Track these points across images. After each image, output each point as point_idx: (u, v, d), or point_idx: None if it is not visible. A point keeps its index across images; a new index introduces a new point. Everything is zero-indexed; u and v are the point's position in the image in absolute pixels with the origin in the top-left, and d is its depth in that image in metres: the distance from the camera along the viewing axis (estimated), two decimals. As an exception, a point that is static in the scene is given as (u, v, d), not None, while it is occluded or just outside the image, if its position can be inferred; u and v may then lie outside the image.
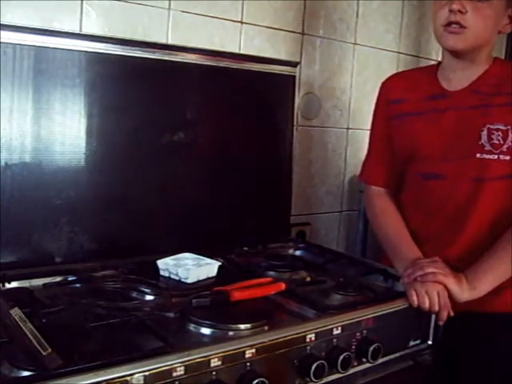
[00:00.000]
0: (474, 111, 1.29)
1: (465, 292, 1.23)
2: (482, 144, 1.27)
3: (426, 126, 1.34)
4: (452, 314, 1.22)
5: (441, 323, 1.24)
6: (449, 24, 1.22)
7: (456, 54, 1.30)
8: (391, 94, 1.43)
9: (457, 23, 1.22)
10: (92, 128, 1.36)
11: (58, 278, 1.24)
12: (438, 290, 1.21)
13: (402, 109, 1.39)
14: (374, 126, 1.50)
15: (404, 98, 1.39)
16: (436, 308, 1.21)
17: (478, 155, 1.27)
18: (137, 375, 0.84)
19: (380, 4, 1.99)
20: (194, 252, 1.39)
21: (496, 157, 1.26)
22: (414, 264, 1.27)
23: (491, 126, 1.26)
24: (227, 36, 1.61)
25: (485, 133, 1.26)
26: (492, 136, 1.26)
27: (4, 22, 1.21)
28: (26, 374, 0.83)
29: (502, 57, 2.25)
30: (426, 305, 1.20)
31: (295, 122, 1.79)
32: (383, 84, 1.48)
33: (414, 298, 1.20)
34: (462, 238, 1.33)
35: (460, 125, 1.30)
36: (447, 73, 1.34)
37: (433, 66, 1.43)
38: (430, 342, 1.32)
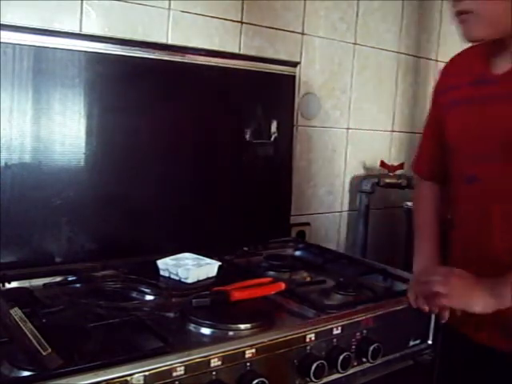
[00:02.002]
0: None
1: (480, 304, 1.04)
2: None
3: (471, 117, 1.12)
4: (458, 313, 1.10)
5: (443, 321, 1.19)
6: (458, 15, 1.08)
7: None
8: (447, 79, 1.25)
9: (463, 12, 1.06)
10: (92, 128, 1.36)
11: (58, 278, 1.24)
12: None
13: (451, 96, 1.19)
14: (429, 113, 1.34)
15: (454, 84, 1.20)
16: (435, 311, 1.17)
17: None
18: (137, 375, 0.84)
19: (380, 4, 1.99)
20: (193, 252, 1.39)
21: None
22: (424, 275, 1.16)
23: None
24: (227, 36, 1.61)
25: None
26: None
27: (4, 22, 1.21)
28: (26, 373, 0.83)
29: None
30: (426, 309, 1.15)
31: (295, 122, 1.79)
32: (442, 69, 1.30)
33: (413, 300, 1.17)
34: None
35: (508, 117, 1.06)
36: (497, 59, 1.10)
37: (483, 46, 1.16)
38: (430, 342, 1.32)
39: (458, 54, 1.26)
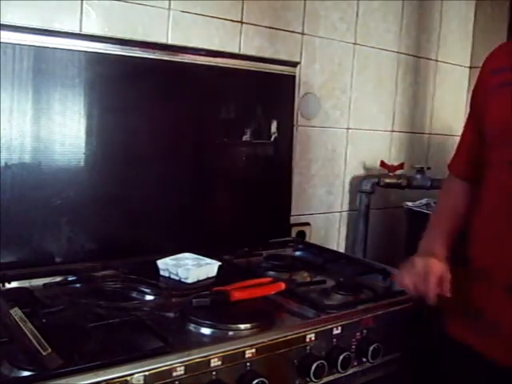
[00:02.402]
0: None
1: None
2: None
3: None
4: (448, 294, 1.09)
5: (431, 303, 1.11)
6: None
7: None
8: (493, 63, 1.17)
9: None
10: (92, 128, 1.36)
11: (58, 278, 1.24)
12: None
13: (502, 79, 1.11)
14: (470, 106, 1.27)
15: (504, 65, 1.12)
16: (421, 288, 1.10)
17: None
18: (137, 375, 0.84)
19: (380, 4, 1.99)
20: (193, 252, 1.39)
21: None
22: (422, 266, 1.12)
23: None
24: (227, 36, 1.61)
25: None
26: None
27: (4, 22, 1.21)
28: (26, 373, 0.83)
29: (504, 37, 2.23)
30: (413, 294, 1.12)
31: (295, 122, 1.79)
32: (485, 60, 1.22)
33: (400, 282, 1.14)
34: None
35: None
36: None
37: None
38: (429, 342, 1.32)
39: (504, 43, 1.24)
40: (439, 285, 1.09)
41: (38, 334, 0.84)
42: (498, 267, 1.08)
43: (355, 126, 1.99)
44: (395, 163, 2.00)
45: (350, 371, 1.13)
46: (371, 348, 1.14)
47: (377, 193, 1.99)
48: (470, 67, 2.35)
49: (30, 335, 0.83)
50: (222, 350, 0.94)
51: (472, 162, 1.24)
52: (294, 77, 1.74)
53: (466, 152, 1.26)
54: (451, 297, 1.10)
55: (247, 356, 0.97)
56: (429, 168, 2.00)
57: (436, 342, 1.26)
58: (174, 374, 0.88)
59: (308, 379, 1.05)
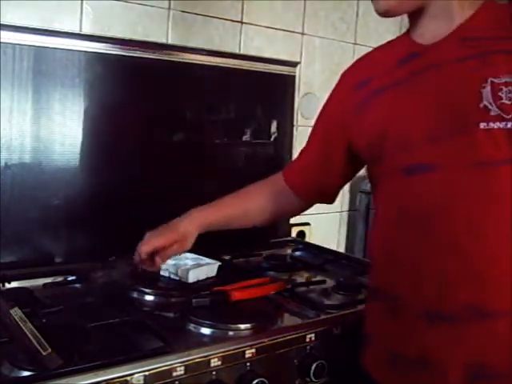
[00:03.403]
0: (466, 63, 0.88)
1: None
2: (486, 107, 0.84)
3: (399, 99, 0.94)
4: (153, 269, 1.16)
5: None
6: None
7: (410, 16, 0.98)
8: (356, 77, 1.07)
9: None
10: (92, 128, 1.36)
11: (58, 278, 1.24)
12: None
13: (370, 88, 1.00)
14: (318, 121, 1.18)
15: (372, 75, 1.02)
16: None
17: (483, 125, 0.83)
18: (137, 375, 0.84)
19: (380, 4, 1.99)
20: (194, 252, 1.39)
21: (510, 125, 0.83)
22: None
23: (496, 80, 0.84)
24: (227, 36, 1.61)
25: (488, 89, 0.84)
26: (500, 94, 0.83)
27: (4, 22, 1.21)
28: (26, 373, 0.83)
29: None
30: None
31: (295, 122, 1.79)
32: (343, 74, 1.13)
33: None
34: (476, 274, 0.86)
35: (446, 85, 0.89)
36: (419, 29, 0.97)
37: (403, 33, 1.04)
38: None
39: (359, 58, 1.15)
40: (148, 259, 1.14)
41: (37, 333, 0.84)
42: (407, 295, 0.91)
43: (355, 126, 1.99)
44: (395, 163, 2.00)
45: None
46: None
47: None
48: (470, 67, 2.35)
49: (30, 335, 0.83)
50: (222, 350, 0.94)
51: (312, 180, 1.19)
52: (293, 77, 1.74)
53: (309, 168, 1.19)
54: (371, 335, 1.00)
55: (247, 356, 0.97)
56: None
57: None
58: (174, 374, 0.88)
59: (308, 379, 1.05)
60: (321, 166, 1.15)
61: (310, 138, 1.21)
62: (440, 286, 0.87)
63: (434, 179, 0.88)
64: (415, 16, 0.96)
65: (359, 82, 1.03)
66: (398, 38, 1.05)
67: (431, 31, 0.93)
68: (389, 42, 1.10)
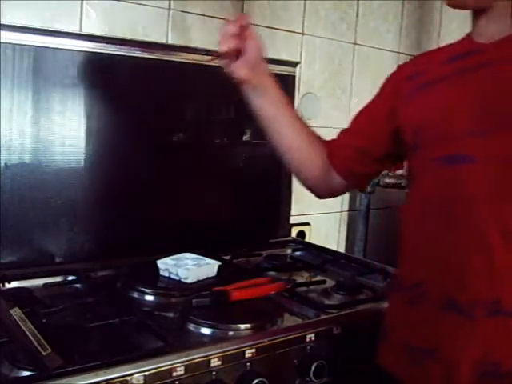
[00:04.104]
0: None
1: None
2: None
3: (446, 92, 0.97)
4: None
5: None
6: None
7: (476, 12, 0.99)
8: (403, 71, 1.10)
9: None
10: (92, 128, 1.36)
11: (58, 278, 1.24)
12: None
13: (419, 80, 1.03)
14: (370, 104, 1.15)
15: (423, 69, 1.04)
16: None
17: None
18: (137, 375, 0.84)
19: (380, 4, 1.99)
20: (194, 252, 1.39)
21: None
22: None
23: None
24: (227, 36, 1.60)
25: None
26: None
27: (4, 22, 1.21)
28: (26, 373, 0.83)
29: None
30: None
31: (295, 122, 1.79)
32: (399, 66, 1.14)
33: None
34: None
35: (498, 83, 0.90)
36: (480, 29, 0.98)
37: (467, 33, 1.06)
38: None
39: (420, 53, 1.15)
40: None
41: (38, 333, 0.84)
42: (429, 282, 0.93)
43: (355, 126, 1.99)
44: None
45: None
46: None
47: (377, 193, 1.99)
48: (470, 67, 2.35)
49: (30, 335, 0.83)
50: (222, 349, 0.94)
51: (352, 160, 1.11)
52: (293, 77, 1.74)
53: (351, 148, 1.12)
54: (388, 326, 1.01)
55: (247, 356, 0.97)
56: (429, 168, 2.00)
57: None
58: (174, 374, 0.88)
59: (308, 379, 1.05)
60: (363, 147, 1.11)
61: (354, 119, 1.16)
62: (462, 278, 0.88)
63: (472, 170, 0.88)
64: (478, 15, 0.99)
65: (410, 74, 1.06)
66: (462, 37, 1.06)
67: (491, 31, 0.95)
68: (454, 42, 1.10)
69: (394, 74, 1.13)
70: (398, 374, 0.96)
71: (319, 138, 1.15)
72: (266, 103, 1.12)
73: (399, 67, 1.14)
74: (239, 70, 1.09)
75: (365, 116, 1.15)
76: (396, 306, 1.02)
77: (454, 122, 0.93)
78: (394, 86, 1.10)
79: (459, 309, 0.88)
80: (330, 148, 1.14)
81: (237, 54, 1.07)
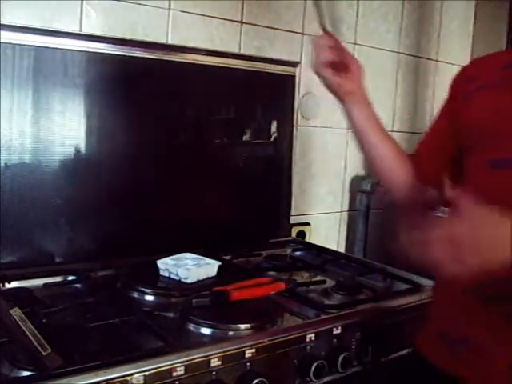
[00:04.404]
0: None
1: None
2: None
3: (499, 97, 1.00)
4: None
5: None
6: None
7: None
8: (469, 71, 1.12)
9: None
10: (92, 128, 1.36)
11: (58, 278, 1.24)
12: None
13: (476, 84, 1.06)
14: (444, 105, 1.18)
15: (479, 73, 1.08)
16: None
17: None
18: (137, 375, 0.84)
19: (380, 4, 1.99)
20: (194, 252, 1.39)
21: None
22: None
23: None
24: (227, 36, 1.61)
25: None
26: None
27: (4, 22, 1.21)
28: (26, 373, 0.83)
29: (504, 37, 2.23)
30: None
31: (295, 122, 1.79)
32: (463, 67, 1.17)
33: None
34: None
35: None
36: None
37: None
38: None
39: (482, 56, 1.16)
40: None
41: (38, 333, 0.84)
42: None
43: (355, 126, 1.99)
44: (395, 163, 2.00)
45: (350, 371, 1.13)
46: (371, 348, 1.14)
47: (377, 193, 1.99)
48: (470, 67, 2.35)
49: (30, 335, 0.83)
50: (222, 350, 0.94)
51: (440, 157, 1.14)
52: (293, 77, 1.74)
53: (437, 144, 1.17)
54: (429, 315, 1.03)
55: (247, 356, 0.97)
56: (429, 168, 2.00)
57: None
58: (174, 374, 0.88)
59: (308, 379, 1.05)
60: (439, 146, 1.16)
61: (433, 121, 1.21)
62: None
63: None
64: None
65: (470, 76, 1.10)
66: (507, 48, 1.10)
67: None
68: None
69: (457, 76, 1.16)
70: (436, 361, 0.99)
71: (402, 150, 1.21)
72: (362, 117, 1.16)
73: (462, 69, 1.17)
74: (346, 82, 1.12)
75: (440, 119, 1.19)
76: (439, 297, 1.04)
77: (504, 125, 0.95)
78: (457, 89, 1.13)
79: (500, 299, 0.88)
80: (418, 159, 1.20)
81: (334, 66, 1.11)
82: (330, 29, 1.11)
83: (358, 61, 1.13)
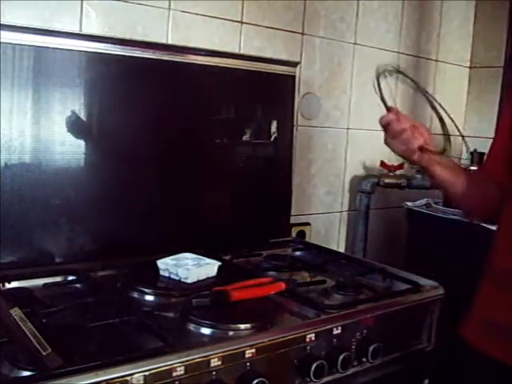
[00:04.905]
0: None
1: None
2: None
3: None
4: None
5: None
6: None
7: None
8: None
9: None
10: (92, 128, 1.36)
11: (58, 278, 1.24)
12: None
13: None
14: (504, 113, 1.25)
15: None
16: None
17: None
18: (137, 375, 0.84)
19: (380, 4, 1.99)
20: (194, 252, 1.39)
21: None
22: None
23: None
24: (227, 36, 1.61)
25: None
26: None
27: (4, 22, 1.21)
28: (26, 373, 0.83)
29: (504, 37, 2.23)
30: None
31: (295, 122, 1.79)
32: None
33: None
34: None
35: None
36: None
37: None
38: (430, 342, 1.32)
39: None
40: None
41: (37, 333, 0.84)
42: None
43: (355, 126, 1.99)
44: (395, 163, 2.00)
45: (350, 371, 1.13)
46: (371, 348, 1.14)
47: (377, 193, 1.99)
48: (470, 67, 2.35)
49: (30, 335, 0.83)
50: (222, 349, 0.94)
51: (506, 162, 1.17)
52: (293, 77, 1.74)
53: (501, 151, 1.20)
54: (474, 307, 1.11)
55: (247, 356, 0.97)
56: (429, 168, 2.00)
57: (447, 345, 1.17)
58: (174, 374, 0.88)
59: (308, 379, 1.05)
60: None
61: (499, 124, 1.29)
62: None
63: None
64: None
65: None
66: None
67: None
68: None
69: None
70: (479, 347, 1.06)
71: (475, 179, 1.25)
72: (438, 169, 1.19)
73: None
74: (419, 137, 1.17)
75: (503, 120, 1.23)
76: (486, 289, 1.10)
77: None
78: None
79: None
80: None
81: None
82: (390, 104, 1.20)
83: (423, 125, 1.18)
